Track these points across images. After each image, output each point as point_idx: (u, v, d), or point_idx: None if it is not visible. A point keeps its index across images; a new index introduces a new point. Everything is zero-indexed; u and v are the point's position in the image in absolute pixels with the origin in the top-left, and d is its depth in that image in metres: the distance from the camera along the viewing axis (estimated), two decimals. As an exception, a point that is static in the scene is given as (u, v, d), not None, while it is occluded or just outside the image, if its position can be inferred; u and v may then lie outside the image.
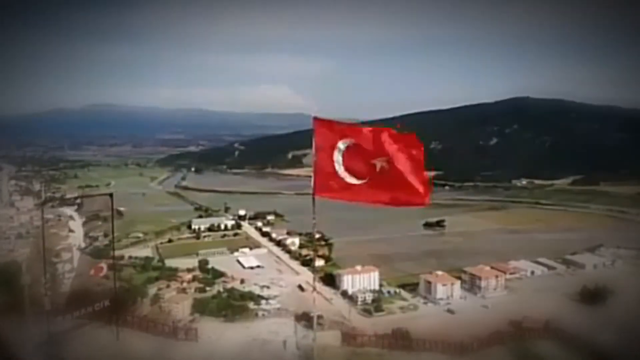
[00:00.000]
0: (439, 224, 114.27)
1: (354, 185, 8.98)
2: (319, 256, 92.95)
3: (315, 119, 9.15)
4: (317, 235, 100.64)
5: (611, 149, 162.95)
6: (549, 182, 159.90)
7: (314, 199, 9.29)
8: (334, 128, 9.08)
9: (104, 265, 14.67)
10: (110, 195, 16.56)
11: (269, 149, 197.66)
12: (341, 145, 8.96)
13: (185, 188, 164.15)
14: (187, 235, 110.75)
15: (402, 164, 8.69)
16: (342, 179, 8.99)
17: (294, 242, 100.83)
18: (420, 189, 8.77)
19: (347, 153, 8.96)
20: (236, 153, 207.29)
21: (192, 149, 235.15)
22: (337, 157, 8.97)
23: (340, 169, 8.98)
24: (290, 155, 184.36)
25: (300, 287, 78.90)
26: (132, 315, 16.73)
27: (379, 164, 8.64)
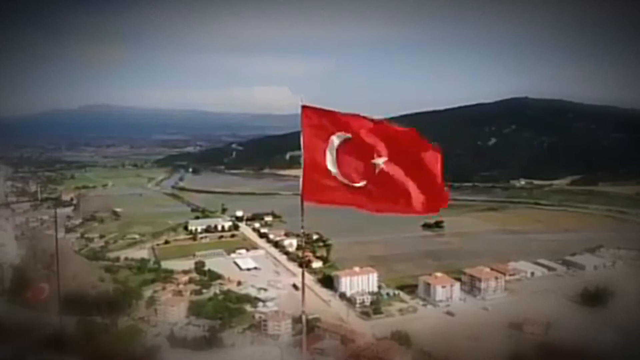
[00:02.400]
0: (438, 224, 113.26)
1: (350, 188, 7.49)
2: (317, 257, 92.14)
3: (305, 107, 7.55)
4: (315, 237, 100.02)
5: (610, 149, 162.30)
6: (548, 182, 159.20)
7: (302, 202, 7.82)
8: (327, 119, 7.53)
9: (45, 285, 13.23)
10: (56, 199, 15.01)
11: (266, 150, 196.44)
12: (335, 139, 7.47)
13: (183, 189, 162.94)
14: (183, 236, 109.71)
15: (408, 165, 7.27)
16: (335, 181, 7.52)
17: (291, 243, 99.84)
18: (433, 195, 7.28)
19: (342, 149, 7.49)
20: (234, 154, 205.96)
21: (190, 149, 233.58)
22: (330, 154, 7.48)
23: (333, 168, 7.50)
24: (288, 156, 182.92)
25: (295, 287, 78.36)
26: (83, 346, 15.14)
27: (378, 164, 7.28)
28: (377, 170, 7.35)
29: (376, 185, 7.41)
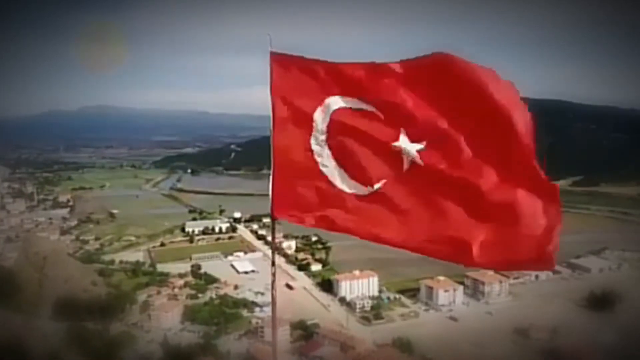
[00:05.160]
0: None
1: (353, 199, 4.18)
2: (316, 260, 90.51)
3: (275, 56, 4.46)
4: (314, 238, 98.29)
5: (610, 149, 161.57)
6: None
7: (272, 221, 4.88)
8: (312, 73, 4.34)
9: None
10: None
11: (265, 150, 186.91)
12: (327, 107, 4.27)
13: (181, 190, 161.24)
14: (180, 238, 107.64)
15: (476, 152, 3.76)
16: (328, 185, 4.31)
17: (290, 245, 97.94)
18: (535, 226, 3.72)
19: (337, 126, 4.25)
20: (232, 154, 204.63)
21: (189, 150, 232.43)
22: (318, 135, 4.31)
23: (323, 161, 4.31)
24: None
25: (288, 286, 77.03)
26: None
27: (408, 152, 3.93)
28: (405, 164, 4.02)
29: (402, 192, 4.05)
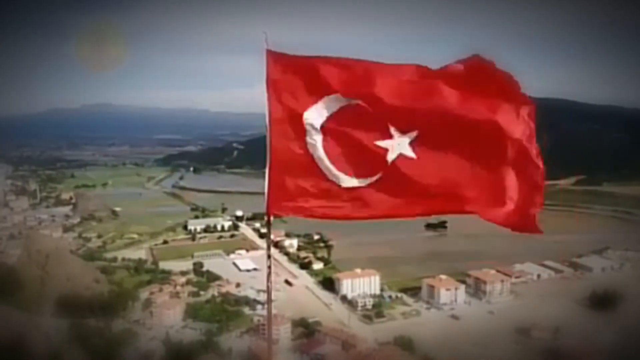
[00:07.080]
0: (442, 225, 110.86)
1: (350, 191, 4.48)
2: (318, 259, 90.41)
3: (271, 54, 4.56)
4: (316, 237, 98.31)
5: (613, 149, 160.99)
6: (552, 182, 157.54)
7: (268, 218, 4.93)
8: (308, 70, 4.46)
9: None
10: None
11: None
12: (324, 108, 4.44)
13: (183, 188, 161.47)
14: (182, 236, 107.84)
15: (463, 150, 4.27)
16: (323, 179, 4.51)
17: (292, 244, 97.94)
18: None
19: (334, 125, 4.47)
20: (235, 153, 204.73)
21: (191, 148, 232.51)
22: (314, 133, 4.50)
23: (319, 157, 4.51)
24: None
25: (288, 282, 76.42)
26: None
27: (394, 147, 4.31)
28: (389, 160, 4.37)
29: (392, 185, 4.39)
